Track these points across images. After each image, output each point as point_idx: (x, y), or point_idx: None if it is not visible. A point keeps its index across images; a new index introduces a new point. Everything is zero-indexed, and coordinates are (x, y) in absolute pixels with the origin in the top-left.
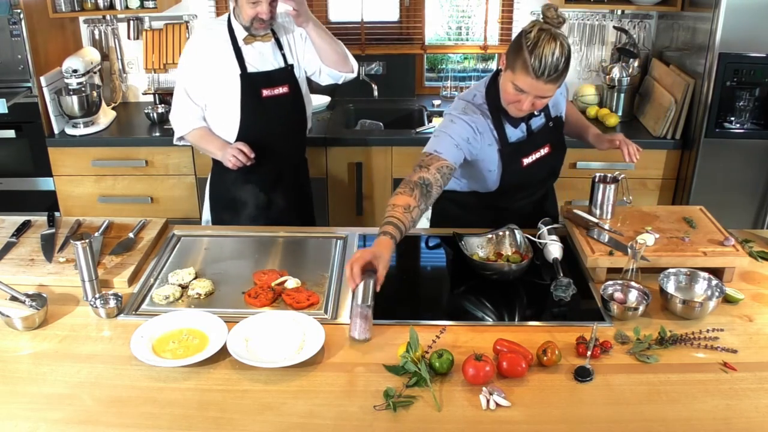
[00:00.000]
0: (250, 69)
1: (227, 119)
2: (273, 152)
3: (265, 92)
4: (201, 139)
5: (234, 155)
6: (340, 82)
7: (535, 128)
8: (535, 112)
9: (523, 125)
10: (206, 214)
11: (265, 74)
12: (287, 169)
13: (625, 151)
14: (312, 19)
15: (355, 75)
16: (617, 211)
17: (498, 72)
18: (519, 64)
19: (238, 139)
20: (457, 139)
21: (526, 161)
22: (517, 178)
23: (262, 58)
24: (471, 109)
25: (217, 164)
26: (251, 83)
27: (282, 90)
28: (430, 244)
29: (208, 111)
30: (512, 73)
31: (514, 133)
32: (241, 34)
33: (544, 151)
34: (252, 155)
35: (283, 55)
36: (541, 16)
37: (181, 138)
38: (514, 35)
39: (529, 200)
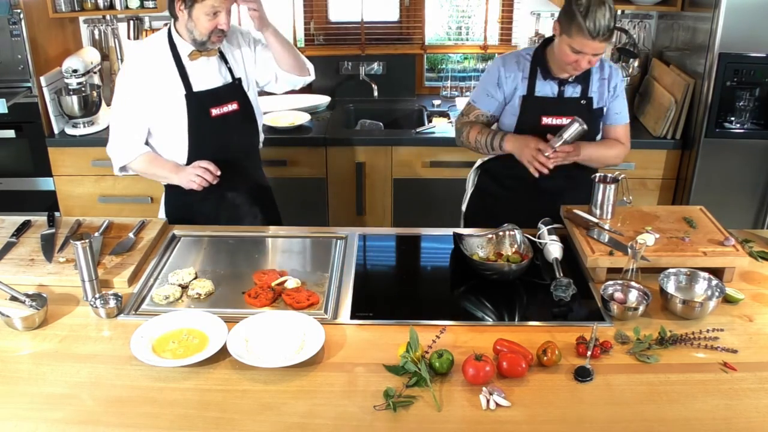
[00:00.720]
0: (196, 87)
1: (175, 142)
2: (227, 170)
3: (214, 111)
4: (150, 165)
5: (198, 174)
6: (297, 88)
7: (567, 96)
8: (569, 80)
9: (555, 85)
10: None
11: (212, 92)
12: (243, 182)
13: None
14: (271, 23)
15: (312, 78)
16: (617, 211)
17: (547, 40)
18: (575, 29)
19: (188, 162)
20: (488, 87)
21: (546, 120)
22: (533, 132)
23: (207, 74)
24: (510, 56)
25: (170, 188)
26: (198, 102)
27: (231, 107)
28: (431, 245)
29: (153, 135)
30: (568, 37)
31: (542, 88)
32: (185, 50)
33: (565, 121)
34: (218, 172)
35: (230, 69)
36: None
37: (123, 168)
38: (514, 35)
39: (559, 172)
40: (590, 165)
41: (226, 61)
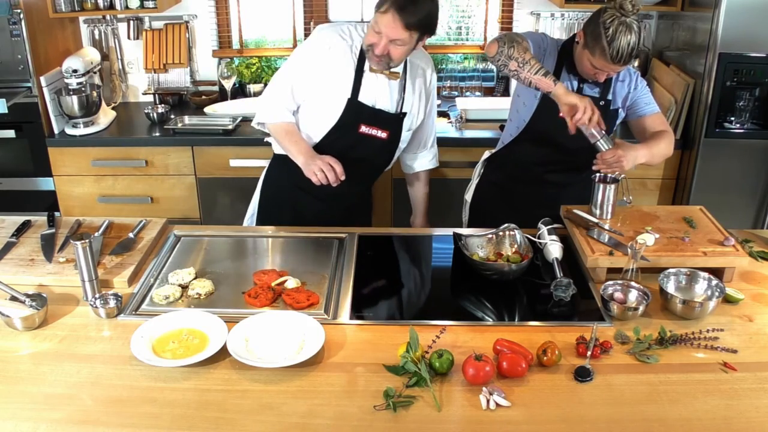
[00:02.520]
0: (362, 98)
1: (314, 131)
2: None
3: (363, 128)
4: (286, 135)
5: (323, 169)
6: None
7: (586, 94)
8: (589, 82)
9: (575, 81)
10: (252, 208)
11: (373, 110)
12: (348, 196)
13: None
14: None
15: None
16: (617, 211)
17: (575, 37)
18: (598, 51)
19: (315, 148)
20: (540, 41)
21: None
22: (551, 122)
23: (380, 92)
24: (552, 39)
25: (278, 159)
26: (355, 112)
27: (381, 134)
28: (431, 244)
29: (302, 112)
30: (591, 55)
31: (564, 80)
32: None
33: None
34: (342, 177)
35: (402, 101)
36: (619, 6)
37: (261, 123)
38: None
39: (566, 166)
40: (650, 164)
41: (403, 91)
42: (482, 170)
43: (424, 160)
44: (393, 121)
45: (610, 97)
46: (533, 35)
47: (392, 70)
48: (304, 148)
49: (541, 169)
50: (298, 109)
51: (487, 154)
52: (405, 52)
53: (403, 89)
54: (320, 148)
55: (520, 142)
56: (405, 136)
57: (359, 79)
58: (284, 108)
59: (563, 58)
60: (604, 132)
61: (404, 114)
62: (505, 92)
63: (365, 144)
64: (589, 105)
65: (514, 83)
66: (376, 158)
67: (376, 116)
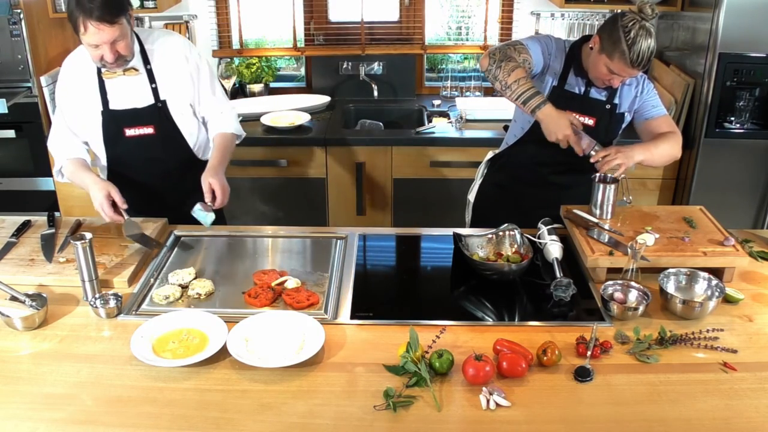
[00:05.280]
0: (114, 105)
1: (98, 153)
2: (155, 194)
3: (128, 131)
4: (74, 173)
5: (103, 208)
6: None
7: (593, 96)
8: (595, 85)
9: (582, 84)
10: None
11: (128, 112)
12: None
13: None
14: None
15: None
16: (617, 211)
17: (583, 39)
18: (617, 55)
19: (109, 174)
20: (542, 45)
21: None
22: None
23: (127, 93)
24: (560, 42)
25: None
26: (113, 120)
27: (147, 130)
28: (431, 245)
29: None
30: (609, 59)
31: (571, 84)
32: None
33: (587, 120)
34: (124, 206)
35: (155, 90)
36: (639, 11)
37: (59, 172)
38: (514, 35)
39: (570, 168)
40: (652, 165)
41: (153, 81)
42: (485, 171)
43: (224, 123)
44: (153, 113)
45: (616, 100)
46: (537, 41)
47: (128, 67)
48: (90, 181)
49: (545, 170)
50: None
51: (490, 154)
52: (130, 41)
53: (151, 79)
54: (114, 161)
55: (524, 143)
56: (182, 120)
57: (103, 89)
58: (62, 146)
59: (571, 61)
60: (594, 143)
61: (163, 102)
62: None
63: (143, 146)
64: (565, 138)
65: None
66: (165, 154)
67: (134, 115)
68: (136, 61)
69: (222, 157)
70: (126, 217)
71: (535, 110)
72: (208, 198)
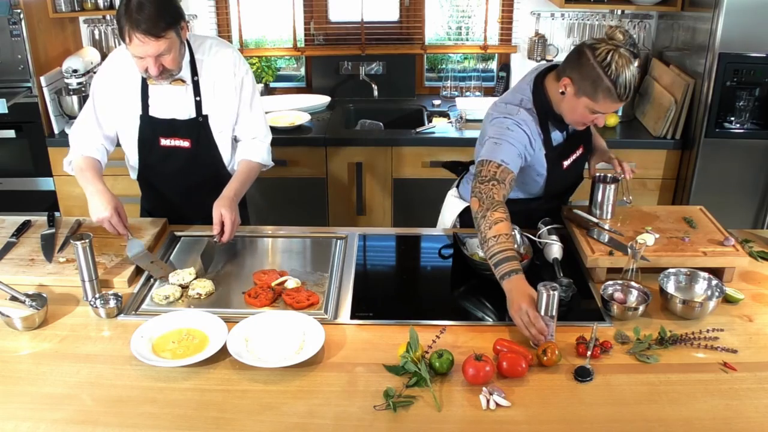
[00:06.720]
0: (153, 112)
1: (130, 155)
2: (179, 203)
3: (164, 141)
4: (78, 171)
5: (102, 223)
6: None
7: (572, 130)
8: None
9: (564, 133)
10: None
11: (167, 122)
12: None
13: (618, 168)
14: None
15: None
16: (617, 211)
17: (540, 76)
18: (601, 94)
19: (139, 177)
20: (519, 148)
21: (566, 163)
22: (560, 181)
23: (170, 102)
24: (523, 114)
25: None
26: (150, 127)
27: (183, 143)
28: (431, 245)
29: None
30: (591, 101)
31: (556, 137)
32: None
33: (579, 151)
34: (124, 232)
35: (198, 103)
36: (609, 38)
37: (69, 163)
38: (514, 35)
39: (561, 201)
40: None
41: (198, 94)
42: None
43: (253, 151)
44: (192, 127)
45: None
46: (511, 144)
47: (175, 78)
48: (93, 189)
49: (554, 201)
50: (114, 140)
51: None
52: (178, 55)
53: (198, 92)
54: (144, 165)
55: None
56: (220, 137)
57: (145, 93)
58: (82, 142)
59: (545, 119)
60: (550, 335)
61: (205, 117)
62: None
63: (175, 157)
64: (520, 319)
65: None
66: (197, 167)
67: (172, 126)
68: (184, 71)
69: (240, 188)
70: (130, 236)
71: (504, 278)
72: (216, 230)
